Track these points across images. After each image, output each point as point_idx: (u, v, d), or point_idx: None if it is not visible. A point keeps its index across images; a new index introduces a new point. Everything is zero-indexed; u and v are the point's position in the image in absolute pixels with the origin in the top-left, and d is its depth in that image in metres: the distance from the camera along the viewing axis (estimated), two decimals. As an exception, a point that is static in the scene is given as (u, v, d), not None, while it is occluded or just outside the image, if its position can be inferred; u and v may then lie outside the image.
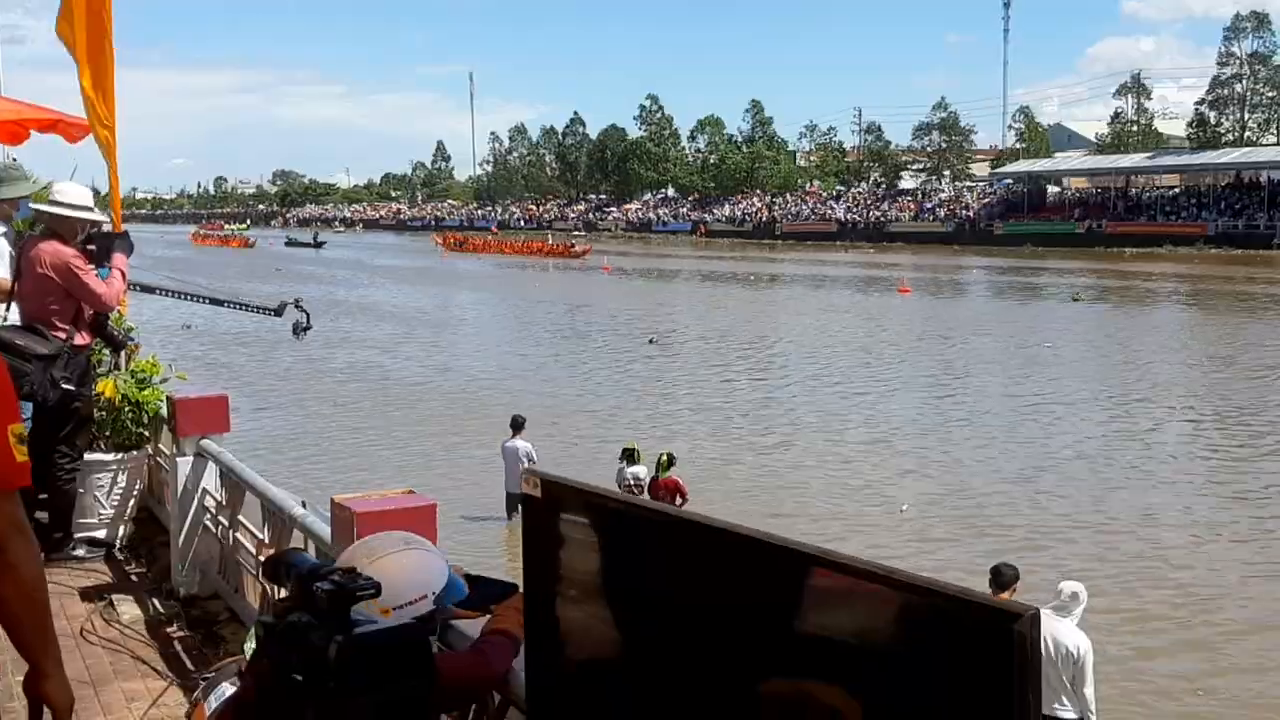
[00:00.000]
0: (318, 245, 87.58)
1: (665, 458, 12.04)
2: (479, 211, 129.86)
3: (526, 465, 12.40)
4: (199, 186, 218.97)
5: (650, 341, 27.95)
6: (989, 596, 1.12)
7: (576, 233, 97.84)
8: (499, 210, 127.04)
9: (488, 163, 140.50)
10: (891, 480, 14.29)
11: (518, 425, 13.09)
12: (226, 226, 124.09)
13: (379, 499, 3.16)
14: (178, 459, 5.64)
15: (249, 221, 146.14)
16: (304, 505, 4.33)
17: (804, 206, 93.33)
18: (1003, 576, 6.60)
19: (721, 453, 16.01)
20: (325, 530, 3.54)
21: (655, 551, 1.66)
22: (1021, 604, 1.05)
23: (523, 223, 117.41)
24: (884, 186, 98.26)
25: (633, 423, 18.09)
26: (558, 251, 68.90)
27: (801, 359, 25.38)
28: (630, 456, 12.24)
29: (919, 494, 13.54)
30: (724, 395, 20.77)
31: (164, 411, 6.09)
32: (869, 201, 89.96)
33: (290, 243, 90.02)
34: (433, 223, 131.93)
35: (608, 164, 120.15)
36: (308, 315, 16.66)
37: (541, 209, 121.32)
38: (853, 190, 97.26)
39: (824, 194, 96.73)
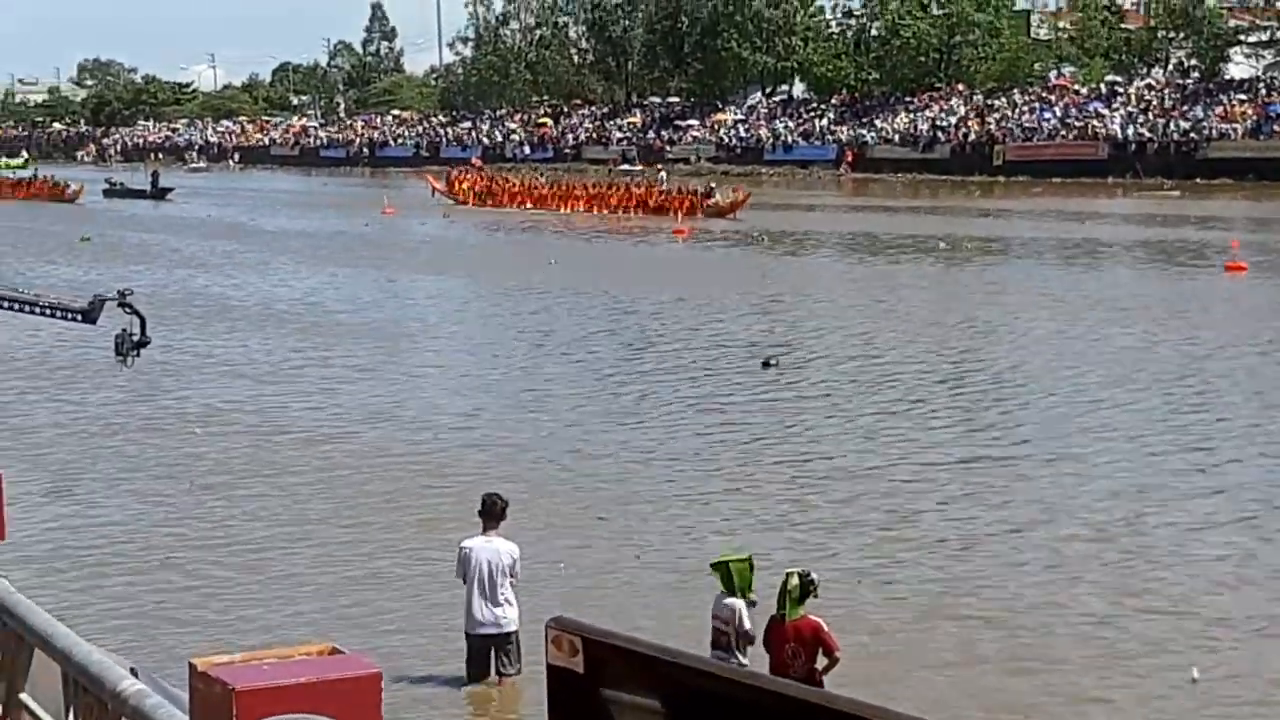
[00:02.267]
0: (159, 194, 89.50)
1: (797, 581, 12.11)
2: (448, 130, 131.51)
3: (505, 582, 12.82)
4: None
5: (765, 365, 28.50)
6: None
7: (625, 166, 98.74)
8: (484, 126, 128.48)
9: (465, 42, 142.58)
10: (1180, 622, 14.50)
11: (492, 512, 13.21)
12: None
13: (277, 662, 3.21)
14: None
15: (29, 154, 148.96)
16: (134, 673, 4.38)
17: (1046, 113, 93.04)
18: None
19: (888, 565, 16.21)
20: (177, 719, 3.57)
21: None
22: None
23: (528, 148, 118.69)
24: (1197, 76, 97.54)
25: (733, 512, 18.24)
26: (684, 205, 67.50)
27: (1040, 394, 25.58)
28: (726, 578, 12.32)
29: (1226, 653, 13.73)
30: (896, 457, 21.03)
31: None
32: (1169, 104, 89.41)
33: (111, 190, 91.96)
34: (361, 149, 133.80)
35: (682, 43, 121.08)
36: (141, 321, 16.92)
37: (563, 125, 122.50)
38: (1139, 84, 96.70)
39: (1084, 90, 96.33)
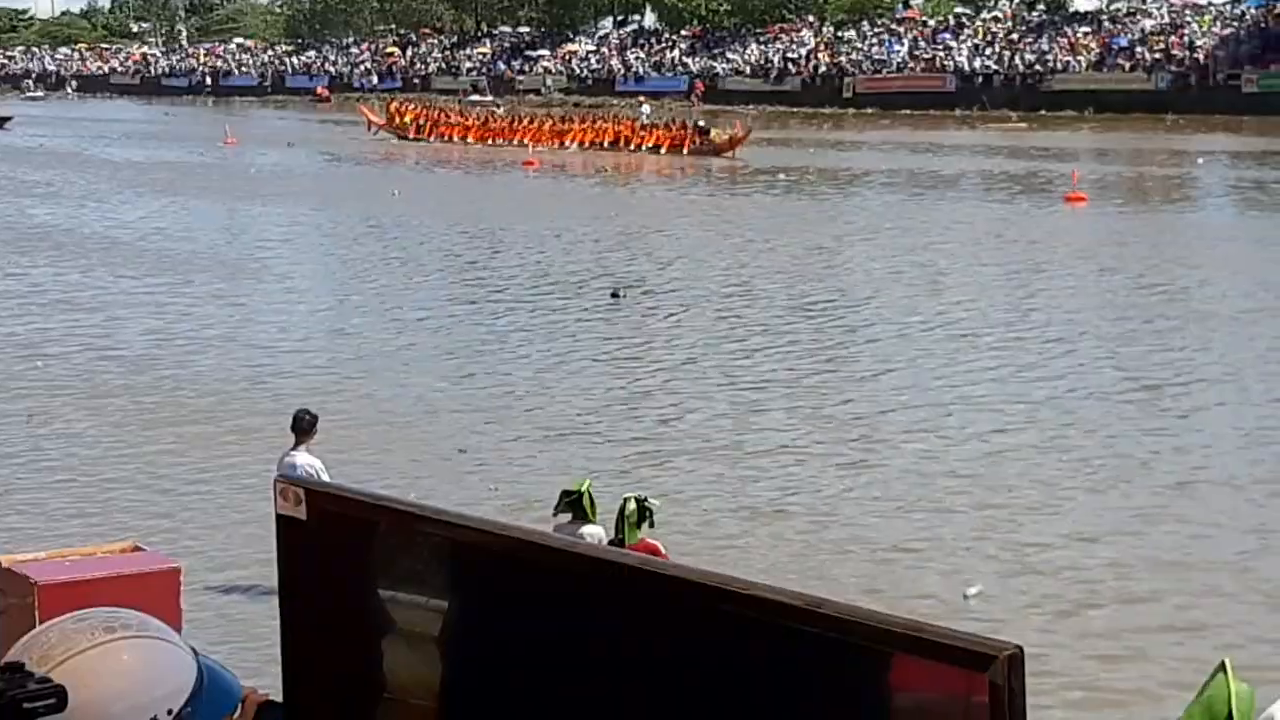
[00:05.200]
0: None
1: (634, 507, 12.25)
2: (294, 59, 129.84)
3: None
4: None
5: (613, 295, 28.76)
6: (950, 631, 1.37)
7: (475, 97, 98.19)
8: (331, 55, 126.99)
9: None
10: (973, 538, 15.03)
11: (303, 428, 13.31)
12: None
13: (80, 559, 3.40)
14: None
15: None
16: None
17: (895, 46, 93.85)
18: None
19: (734, 492, 16.54)
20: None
21: (514, 600, 1.96)
22: (996, 640, 1.29)
23: (375, 78, 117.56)
24: (1043, 9, 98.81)
25: (580, 440, 18.55)
26: (675, 141, 63.20)
27: (895, 325, 26.04)
28: (576, 507, 12.36)
29: (1016, 569, 14.20)
30: (749, 389, 21.38)
31: None
32: (1015, 37, 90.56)
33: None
34: (204, 77, 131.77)
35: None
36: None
37: (411, 55, 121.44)
38: (985, 16, 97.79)
39: (932, 23, 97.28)
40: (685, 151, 61.58)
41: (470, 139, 69.75)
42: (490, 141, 68.36)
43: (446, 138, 70.78)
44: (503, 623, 1.96)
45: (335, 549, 2.02)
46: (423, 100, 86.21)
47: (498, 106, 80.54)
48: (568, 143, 66.32)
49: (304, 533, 2.02)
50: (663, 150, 62.86)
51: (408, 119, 74.63)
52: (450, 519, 1.95)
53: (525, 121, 70.56)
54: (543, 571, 1.91)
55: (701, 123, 65.41)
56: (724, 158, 59.66)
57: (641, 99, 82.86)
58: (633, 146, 64.24)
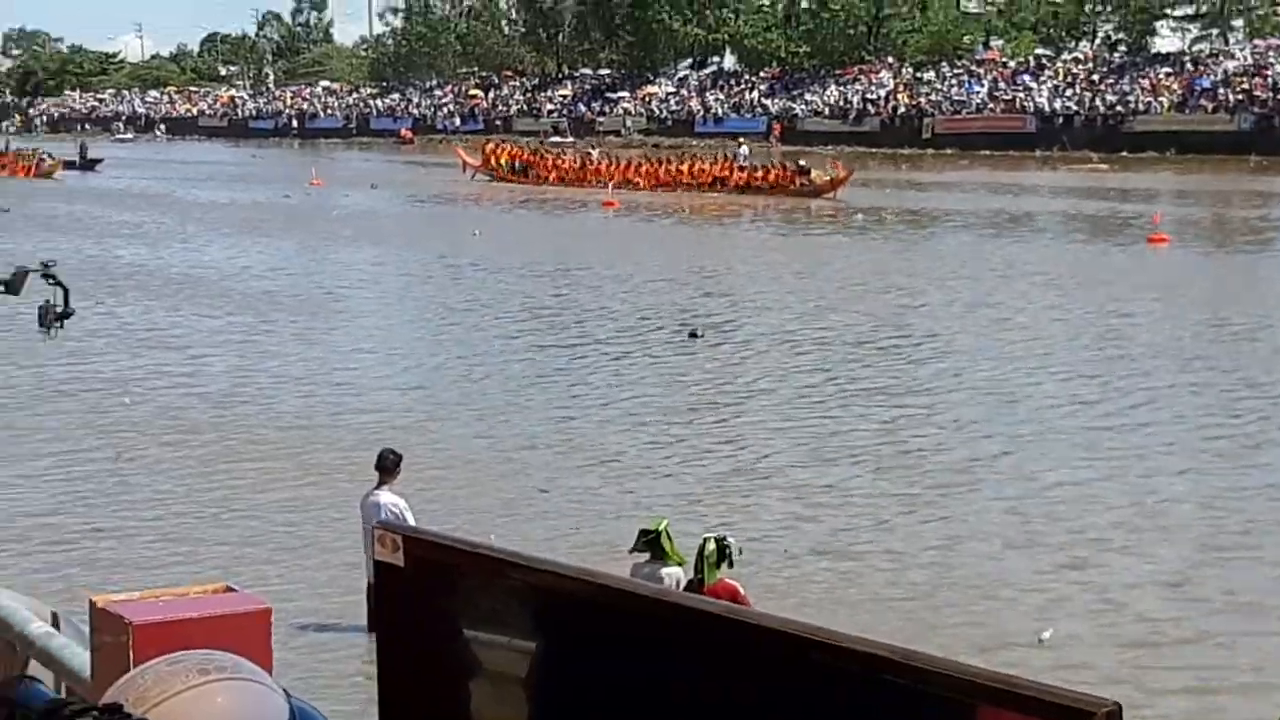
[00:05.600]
0: (88, 165, 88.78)
1: (714, 546, 12.26)
2: (378, 101, 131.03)
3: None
4: None
5: (691, 335, 28.74)
6: (1047, 686, 1.38)
7: (555, 139, 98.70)
8: (414, 97, 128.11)
9: (395, 13, 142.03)
10: (1047, 580, 14.87)
11: (386, 467, 13.59)
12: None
13: (172, 599, 3.45)
14: None
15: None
16: (56, 620, 4.51)
17: (975, 86, 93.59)
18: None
19: (809, 531, 16.53)
20: (81, 657, 3.77)
21: (599, 645, 1.98)
22: (1094, 696, 1.30)
23: (458, 120, 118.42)
24: (1124, 50, 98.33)
25: (657, 479, 18.58)
26: (775, 183, 62.03)
27: (968, 364, 25.98)
28: (653, 545, 12.37)
29: (1089, 611, 14.06)
30: (822, 428, 21.35)
31: None
32: (1096, 78, 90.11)
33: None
34: (290, 120, 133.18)
35: (613, 14, 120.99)
36: (65, 293, 16.96)
37: (493, 97, 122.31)
38: (1066, 58, 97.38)
39: (1012, 64, 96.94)
40: (786, 192, 60.50)
41: (568, 182, 68.48)
42: (590, 183, 66.98)
43: (545, 179, 69.89)
44: (588, 667, 2.00)
45: (430, 593, 2.07)
46: (515, 142, 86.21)
47: (593, 149, 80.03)
48: (667, 186, 64.76)
49: (401, 578, 2.06)
50: (747, 191, 61.82)
51: (503, 160, 74.17)
52: (539, 565, 1.98)
53: (621, 164, 69.10)
54: (628, 616, 1.94)
55: (803, 163, 64.25)
56: (825, 199, 58.70)
57: (740, 140, 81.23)
58: (732, 187, 63.06)
